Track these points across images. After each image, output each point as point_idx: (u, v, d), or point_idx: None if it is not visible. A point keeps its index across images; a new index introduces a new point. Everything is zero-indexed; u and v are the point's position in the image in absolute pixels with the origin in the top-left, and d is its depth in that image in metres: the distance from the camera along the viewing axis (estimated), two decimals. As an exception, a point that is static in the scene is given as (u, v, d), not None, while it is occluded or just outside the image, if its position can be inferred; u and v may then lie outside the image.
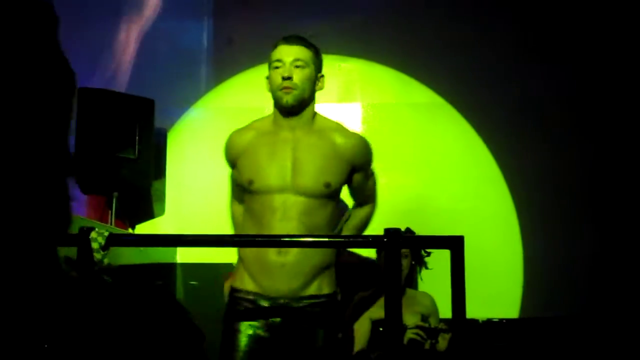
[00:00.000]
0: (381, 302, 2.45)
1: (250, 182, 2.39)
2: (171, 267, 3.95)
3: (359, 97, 4.26)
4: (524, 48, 4.27)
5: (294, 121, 2.43)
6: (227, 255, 4.02)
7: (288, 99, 2.38)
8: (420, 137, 4.25)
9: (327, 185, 2.38)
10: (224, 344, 2.40)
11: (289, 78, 2.37)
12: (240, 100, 4.29)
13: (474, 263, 3.60)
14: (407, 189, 4.11)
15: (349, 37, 4.24)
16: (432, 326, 3.15)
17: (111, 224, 3.78)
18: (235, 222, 2.61)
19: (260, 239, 2.22)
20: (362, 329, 3.21)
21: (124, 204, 3.90)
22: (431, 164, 4.21)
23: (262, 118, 2.54)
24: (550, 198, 4.11)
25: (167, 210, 4.19)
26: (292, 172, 2.37)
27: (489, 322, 3.95)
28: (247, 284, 2.38)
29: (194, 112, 4.38)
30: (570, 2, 4.26)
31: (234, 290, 2.43)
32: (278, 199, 2.35)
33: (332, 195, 2.41)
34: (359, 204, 2.58)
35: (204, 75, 4.34)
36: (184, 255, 4.02)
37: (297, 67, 2.39)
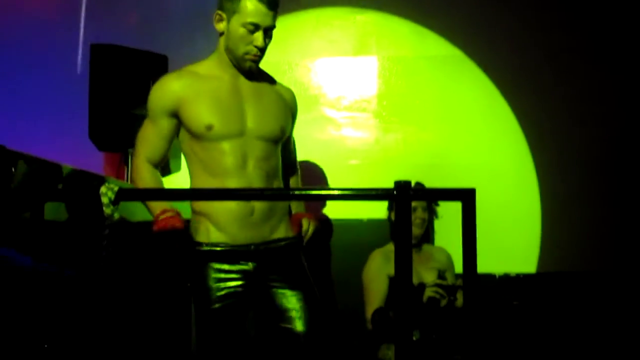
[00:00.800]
0: None
1: (210, 127, 2.25)
2: (187, 222, 3.97)
3: (375, 50, 4.19)
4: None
5: (244, 71, 2.35)
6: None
7: (252, 65, 2.32)
8: (438, 90, 4.18)
9: (283, 130, 2.37)
10: (198, 300, 2.29)
11: (263, 49, 2.30)
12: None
13: (492, 217, 3.60)
14: (424, 143, 4.06)
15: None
16: (449, 282, 3.14)
17: (127, 181, 3.79)
18: (144, 184, 2.34)
19: (269, 192, 2.19)
20: (379, 286, 3.20)
21: (140, 160, 3.91)
22: (448, 118, 4.15)
23: (198, 63, 2.41)
24: (570, 152, 4.04)
25: (183, 166, 4.19)
26: (250, 117, 2.31)
27: (506, 277, 3.93)
28: (212, 236, 2.27)
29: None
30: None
31: (196, 244, 2.29)
32: (237, 144, 2.27)
33: (282, 141, 2.41)
34: (289, 173, 2.54)
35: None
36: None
37: (269, 36, 2.30)
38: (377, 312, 3.12)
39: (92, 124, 3.68)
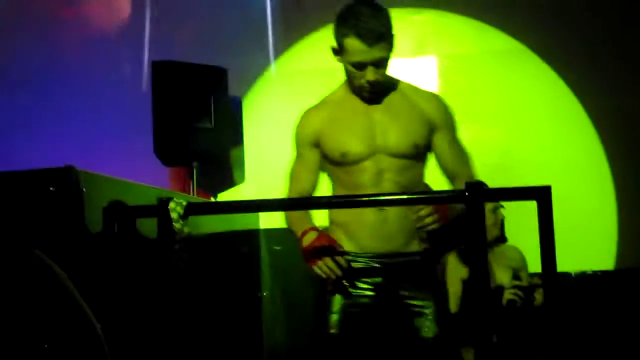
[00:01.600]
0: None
1: (344, 155, 2.29)
2: (255, 233, 3.98)
3: (434, 49, 4.12)
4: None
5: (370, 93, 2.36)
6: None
7: (372, 96, 2.32)
8: (501, 86, 4.08)
9: (415, 144, 2.32)
10: (320, 308, 2.32)
11: (376, 83, 2.27)
12: (312, 62, 4.24)
13: (565, 214, 3.47)
14: (491, 142, 3.96)
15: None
16: (524, 280, 3.06)
17: (193, 194, 3.83)
18: (296, 220, 2.37)
19: (336, 200, 2.16)
20: (453, 290, 3.12)
21: (205, 173, 3.94)
22: (514, 115, 4.05)
23: (334, 91, 2.43)
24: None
25: (247, 177, 4.22)
26: (380, 135, 2.31)
27: (582, 275, 3.80)
28: (343, 244, 2.27)
29: (267, 78, 4.36)
30: None
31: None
32: (371, 163, 2.29)
33: (420, 155, 2.35)
34: (452, 184, 2.39)
35: (274, 40, 4.30)
36: (267, 221, 4.04)
37: (379, 67, 2.25)
38: (453, 317, 3.04)
39: (156, 140, 3.73)
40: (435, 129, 2.35)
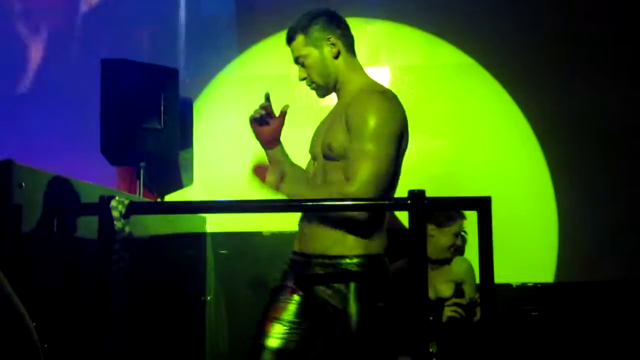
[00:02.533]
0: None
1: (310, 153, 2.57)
2: (201, 236, 3.96)
3: (386, 60, 4.17)
4: (554, 3, 4.13)
5: (338, 94, 2.48)
6: (254, 224, 4.01)
7: (317, 94, 2.49)
8: (450, 99, 4.14)
9: (327, 145, 2.33)
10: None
11: (304, 79, 2.45)
12: (264, 68, 4.23)
13: (508, 226, 3.54)
14: (437, 152, 4.02)
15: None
16: (466, 295, 3.10)
17: (139, 195, 3.78)
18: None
19: (278, 204, 2.16)
20: None
21: (152, 174, 3.91)
22: (461, 127, 4.11)
23: None
24: (586, 158, 3.98)
25: (195, 179, 4.19)
26: (316, 136, 2.50)
27: (523, 286, 3.88)
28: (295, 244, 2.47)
29: (219, 81, 4.33)
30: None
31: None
32: (314, 165, 2.48)
33: (335, 156, 2.31)
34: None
35: (227, 43, 4.28)
36: (214, 225, 4.02)
37: (301, 64, 2.44)
38: None
39: (103, 139, 3.68)
40: (343, 133, 2.30)
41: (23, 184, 2.07)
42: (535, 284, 3.91)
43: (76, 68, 4.15)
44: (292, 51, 2.44)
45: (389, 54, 4.19)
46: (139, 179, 3.82)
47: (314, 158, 2.48)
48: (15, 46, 4.35)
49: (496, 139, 4.09)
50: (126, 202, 2.08)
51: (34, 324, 1.52)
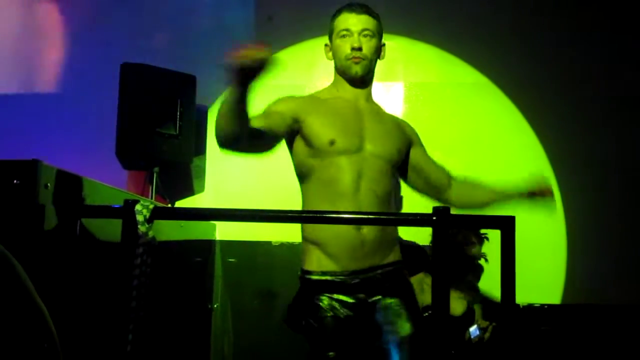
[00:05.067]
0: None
1: (332, 142, 2.26)
2: (210, 243, 3.96)
3: (402, 76, 4.19)
4: (569, 25, 4.16)
5: (357, 91, 2.40)
6: (264, 233, 4.02)
7: (357, 69, 2.35)
8: (463, 117, 4.17)
9: (400, 152, 2.37)
10: (308, 331, 2.22)
11: (359, 49, 2.33)
12: (281, 78, 4.22)
13: (517, 246, 3.55)
14: (450, 169, 4.03)
15: (393, 15, 4.15)
16: (477, 314, 3.11)
17: (152, 200, 3.79)
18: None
19: (306, 214, 2.17)
20: None
21: (165, 180, 3.91)
22: (474, 145, 4.13)
23: (319, 91, 2.46)
24: (597, 181, 4.01)
25: (207, 187, 4.19)
26: (369, 135, 2.33)
27: (529, 307, 3.88)
28: (323, 265, 2.25)
29: (234, 89, 4.34)
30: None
31: (305, 272, 2.28)
32: (355, 160, 2.27)
33: (398, 164, 2.39)
34: (448, 182, 2.51)
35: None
36: (223, 232, 4.02)
37: (365, 36, 2.34)
38: None
39: (119, 142, 3.68)
40: (412, 143, 2.45)
41: (48, 184, 2.08)
42: (542, 305, 3.92)
43: (95, 70, 4.17)
44: (363, 21, 2.34)
45: (405, 70, 4.21)
46: (152, 184, 3.82)
47: (357, 150, 2.30)
48: (35, 44, 4.37)
49: (507, 158, 4.11)
50: (151, 206, 2.09)
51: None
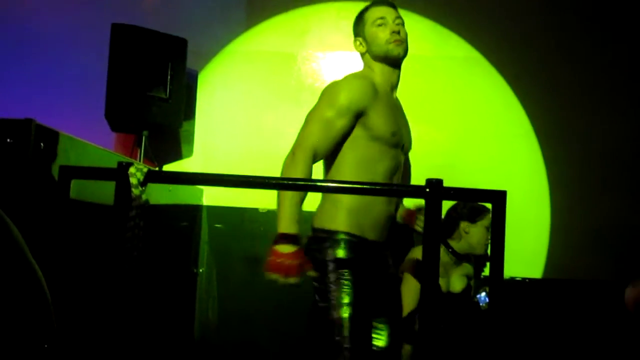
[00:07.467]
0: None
1: (394, 133, 2.44)
2: (197, 209, 3.97)
3: (394, 47, 4.17)
4: (561, 3, 4.17)
5: (393, 78, 2.53)
6: (251, 200, 4.03)
7: (400, 50, 2.49)
8: (454, 91, 4.18)
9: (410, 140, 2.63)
10: (355, 286, 2.32)
11: (398, 32, 2.50)
12: (271, 44, 4.22)
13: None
14: (439, 143, 4.06)
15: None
16: (473, 289, 3.15)
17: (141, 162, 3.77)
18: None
19: (293, 182, 2.17)
20: (412, 290, 3.13)
21: (153, 143, 3.89)
22: (463, 119, 4.15)
23: (365, 71, 2.55)
24: (582, 157, 4.05)
25: (195, 151, 4.19)
26: (404, 130, 2.55)
27: (511, 280, 3.94)
28: (367, 233, 2.38)
29: (225, 54, 4.32)
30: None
31: (352, 235, 2.37)
32: (398, 153, 2.47)
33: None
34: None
35: (237, 18, 4.27)
36: (210, 198, 4.02)
37: (398, 24, 2.52)
38: (410, 315, 3.01)
39: (108, 105, 3.65)
40: None
41: (42, 144, 2.07)
42: (524, 279, 3.98)
43: (86, 29, 4.10)
44: (394, 12, 2.54)
45: (397, 42, 4.19)
46: (140, 147, 3.80)
47: (397, 146, 2.47)
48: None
49: (496, 134, 4.14)
50: (144, 169, 2.08)
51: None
